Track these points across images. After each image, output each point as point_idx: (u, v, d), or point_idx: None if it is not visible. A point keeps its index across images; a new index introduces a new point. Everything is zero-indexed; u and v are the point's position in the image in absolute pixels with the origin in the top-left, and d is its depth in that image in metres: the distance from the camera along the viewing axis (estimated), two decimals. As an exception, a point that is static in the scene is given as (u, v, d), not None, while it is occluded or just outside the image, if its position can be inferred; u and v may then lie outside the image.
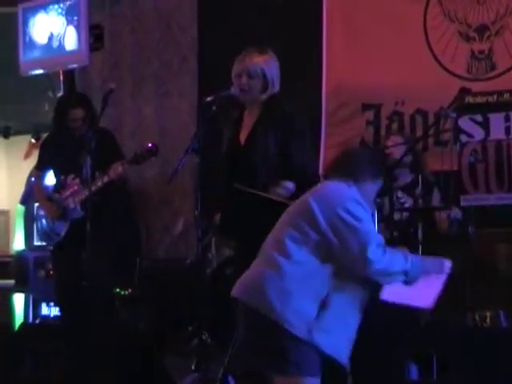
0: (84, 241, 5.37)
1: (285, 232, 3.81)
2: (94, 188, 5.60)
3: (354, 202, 3.80)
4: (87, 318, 5.41)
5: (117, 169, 5.65)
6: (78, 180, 5.91)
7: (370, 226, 3.79)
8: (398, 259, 3.74)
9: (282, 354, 3.73)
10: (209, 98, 4.99)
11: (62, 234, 5.95)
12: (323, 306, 3.68)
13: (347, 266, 3.72)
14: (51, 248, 6.14)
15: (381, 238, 3.78)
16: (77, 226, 5.77)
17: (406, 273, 3.72)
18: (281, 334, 3.69)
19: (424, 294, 3.88)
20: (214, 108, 4.96)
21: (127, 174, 6.01)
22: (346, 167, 3.96)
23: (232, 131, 5.05)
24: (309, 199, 3.82)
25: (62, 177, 6.03)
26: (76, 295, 5.65)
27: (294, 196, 4.53)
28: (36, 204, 6.56)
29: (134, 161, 5.76)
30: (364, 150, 4.09)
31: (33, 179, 6.52)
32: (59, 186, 6.04)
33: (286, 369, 3.73)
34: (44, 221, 6.09)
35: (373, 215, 4.10)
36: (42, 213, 6.14)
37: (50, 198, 6.05)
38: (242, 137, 5.00)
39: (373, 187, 3.96)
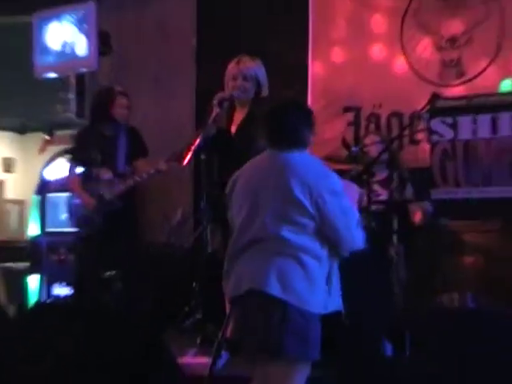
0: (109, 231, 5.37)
1: (280, 226, 3.63)
2: (138, 179, 5.58)
3: (331, 176, 3.70)
4: (98, 297, 5.42)
5: (162, 165, 5.57)
6: (110, 172, 5.87)
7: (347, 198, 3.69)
8: (361, 232, 3.71)
9: (306, 338, 3.63)
10: (215, 101, 5.00)
11: (98, 223, 5.86)
12: (329, 280, 3.66)
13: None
14: (83, 235, 6.08)
15: (357, 214, 3.72)
16: (115, 217, 5.76)
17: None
18: (309, 319, 3.62)
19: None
20: (218, 110, 4.98)
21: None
22: (291, 135, 3.79)
23: (224, 125, 5.11)
24: (290, 183, 3.62)
25: (95, 169, 5.95)
26: (94, 279, 5.64)
27: None
28: (67, 194, 6.48)
29: (173, 158, 5.51)
30: (291, 109, 3.89)
31: (67, 170, 6.34)
32: (92, 178, 5.97)
33: (307, 354, 3.66)
34: (80, 209, 6.03)
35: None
36: (77, 201, 6.05)
37: (85, 188, 5.97)
38: (233, 130, 5.11)
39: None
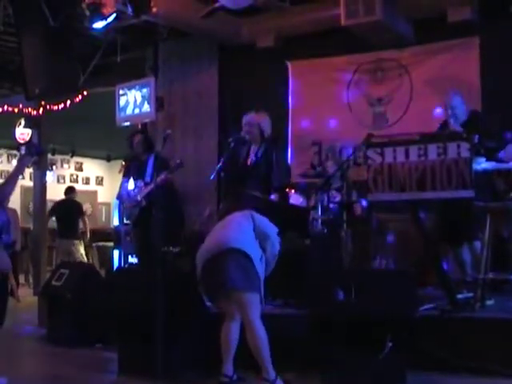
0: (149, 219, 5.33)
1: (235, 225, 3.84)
2: (150, 187, 5.54)
3: None
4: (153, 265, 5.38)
5: (160, 177, 5.50)
6: (143, 183, 5.80)
7: None
8: None
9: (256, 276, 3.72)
10: (230, 139, 4.97)
11: (136, 215, 5.86)
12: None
13: None
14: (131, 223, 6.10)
15: None
16: (146, 210, 5.66)
17: None
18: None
19: None
20: (233, 144, 4.95)
21: (171, 179, 5.79)
22: None
23: (243, 157, 5.02)
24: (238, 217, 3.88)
25: (137, 181, 5.91)
26: (148, 251, 5.61)
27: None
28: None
29: (170, 171, 5.57)
30: None
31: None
32: (135, 186, 5.93)
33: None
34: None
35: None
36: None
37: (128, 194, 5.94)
38: (249, 161, 5.02)
39: None
